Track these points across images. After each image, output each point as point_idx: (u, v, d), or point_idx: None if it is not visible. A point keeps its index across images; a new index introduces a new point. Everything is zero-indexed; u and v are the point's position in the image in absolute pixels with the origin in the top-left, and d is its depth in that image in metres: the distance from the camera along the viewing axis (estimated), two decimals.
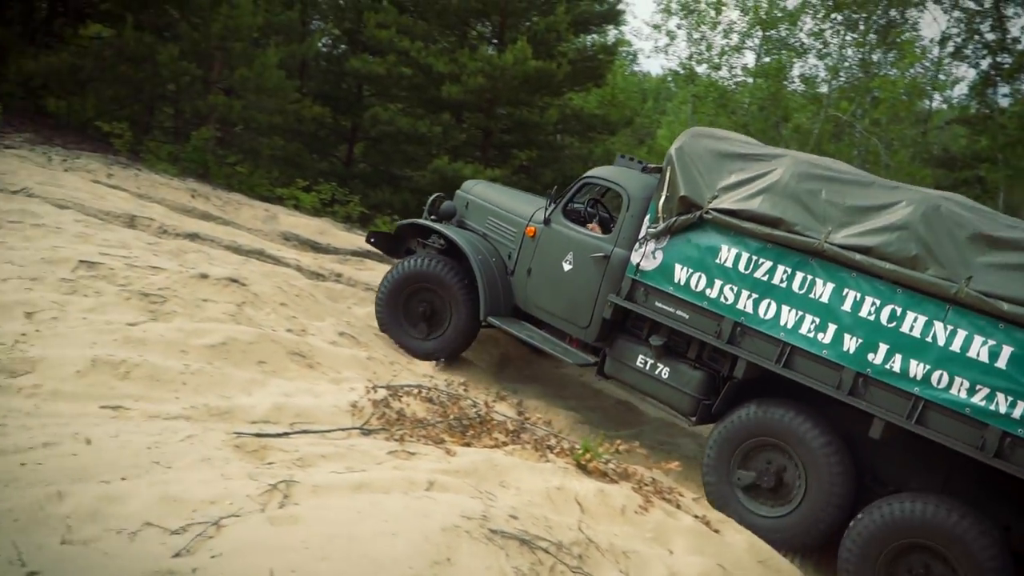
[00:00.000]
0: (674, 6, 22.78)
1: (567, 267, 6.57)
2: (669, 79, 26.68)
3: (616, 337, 6.26)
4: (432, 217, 7.57)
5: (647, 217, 6.04)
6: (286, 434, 4.21)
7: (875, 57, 21.36)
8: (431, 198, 7.79)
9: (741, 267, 5.53)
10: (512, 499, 3.95)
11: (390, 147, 15.08)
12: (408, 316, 7.11)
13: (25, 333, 4.58)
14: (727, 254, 5.61)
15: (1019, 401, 4.49)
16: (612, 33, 20.00)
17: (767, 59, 22.07)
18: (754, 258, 5.49)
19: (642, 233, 6.03)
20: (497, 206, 7.38)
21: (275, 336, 5.47)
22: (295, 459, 3.88)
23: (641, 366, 6.04)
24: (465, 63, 13.57)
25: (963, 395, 4.66)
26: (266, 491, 3.28)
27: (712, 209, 5.66)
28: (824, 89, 21.76)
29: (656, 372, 5.96)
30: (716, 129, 6.44)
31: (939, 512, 4.66)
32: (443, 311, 7.03)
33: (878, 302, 5.01)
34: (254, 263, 8.17)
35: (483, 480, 4.15)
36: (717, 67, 22.35)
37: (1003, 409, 4.52)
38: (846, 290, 5.14)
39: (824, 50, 21.78)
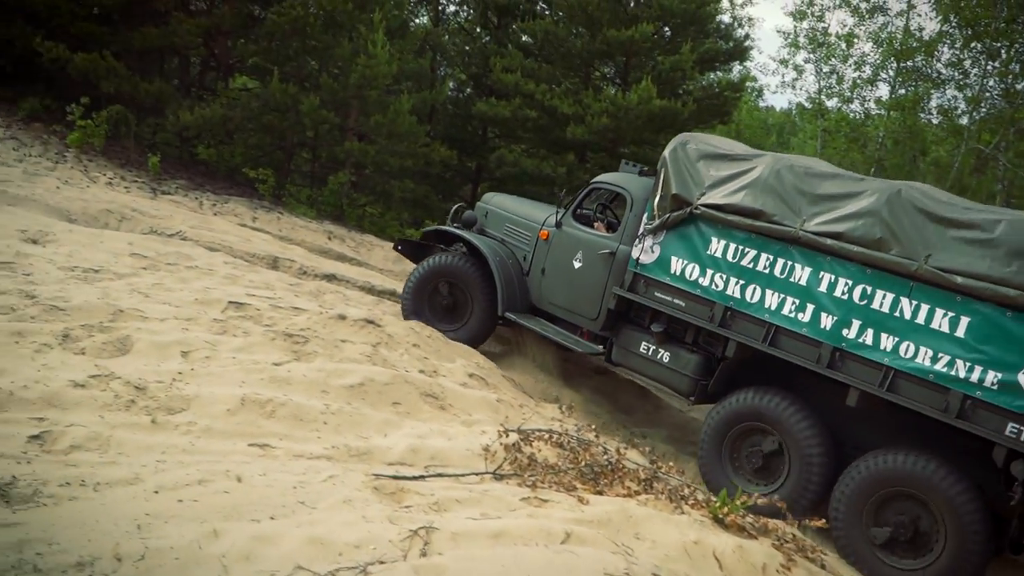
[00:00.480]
0: (802, 40, 22.21)
1: (577, 265, 7.28)
2: (794, 114, 25.94)
3: (621, 327, 6.90)
4: (456, 225, 8.22)
5: (645, 215, 6.69)
6: (422, 477, 4.24)
7: (1019, 86, 20.04)
8: (454, 207, 8.55)
9: (729, 256, 6.13)
10: (650, 554, 3.82)
11: (515, 187, 15.25)
12: (432, 308, 7.78)
13: (181, 372, 4.83)
14: (716, 245, 6.21)
15: (976, 366, 4.98)
16: (737, 69, 19.67)
17: (902, 91, 21.12)
18: (740, 248, 6.07)
19: (640, 230, 6.67)
20: (513, 213, 8.13)
21: (409, 377, 5.56)
22: (431, 503, 3.89)
23: (644, 352, 6.67)
24: (589, 104, 13.65)
25: (928, 363, 5.16)
26: (407, 537, 3.29)
27: (701, 205, 6.27)
28: (964, 121, 20.58)
29: (658, 357, 6.59)
30: (704, 134, 7.11)
31: (918, 463, 5.16)
32: (464, 305, 7.73)
33: (850, 282, 5.55)
34: (387, 303, 8.40)
35: (618, 532, 4.03)
36: (848, 100, 21.56)
37: (962, 374, 5.02)
38: (822, 273, 5.68)
39: (964, 80, 20.65)
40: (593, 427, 6.11)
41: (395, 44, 13.59)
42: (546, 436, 5.24)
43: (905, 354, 5.26)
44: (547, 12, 16.93)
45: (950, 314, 5.12)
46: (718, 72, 17.31)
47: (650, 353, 6.62)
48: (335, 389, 5.10)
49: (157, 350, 5.05)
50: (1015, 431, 4.86)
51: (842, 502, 5.39)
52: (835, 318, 5.57)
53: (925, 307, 5.22)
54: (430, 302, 7.80)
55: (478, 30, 19.92)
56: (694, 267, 6.29)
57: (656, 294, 6.50)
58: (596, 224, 7.47)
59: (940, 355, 5.12)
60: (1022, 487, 4.84)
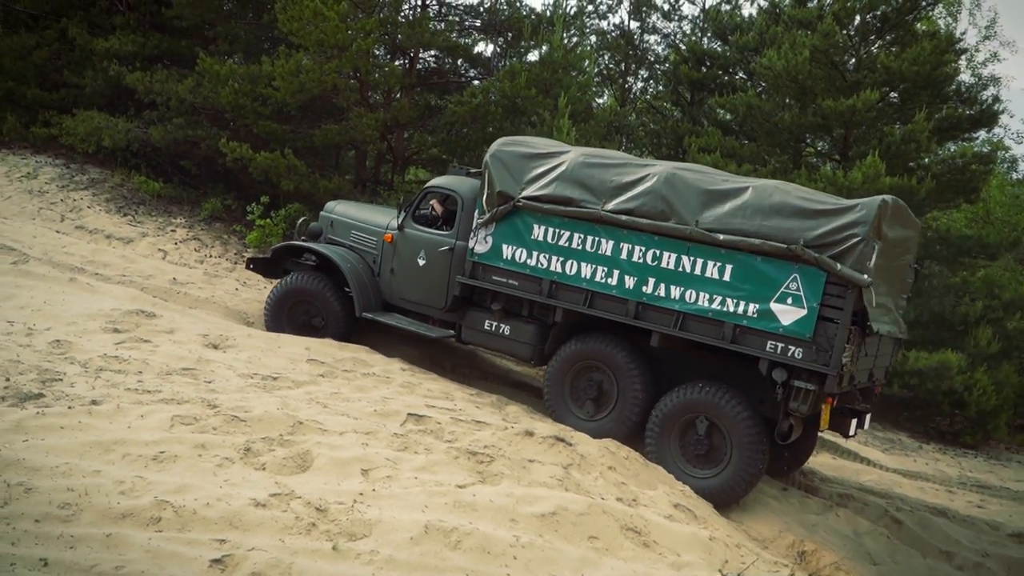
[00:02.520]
0: None
1: (422, 262, 9.10)
2: None
3: (467, 310, 8.83)
4: (303, 238, 9.94)
5: (476, 211, 8.52)
6: None
7: None
8: (299, 221, 10.42)
9: (549, 239, 8.08)
10: None
11: None
12: (292, 324, 9.41)
13: (362, 492, 5.01)
14: (538, 231, 8.14)
15: (741, 301, 7.16)
16: (984, 138, 18.63)
17: None
18: (557, 231, 8.04)
19: (474, 224, 8.50)
20: (358, 220, 9.81)
21: (606, 506, 5.47)
22: None
23: (488, 328, 8.65)
24: (802, 185, 13.32)
25: (706, 304, 7.31)
26: None
27: (522, 198, 8.18)
28: None
29: (500, 331, 8.59)
30: (519, 137, 9.01)
31: (708, 393, 7.39)
32: (320, 315, 9.40)
33: (643, 248, 7.62)
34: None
35: None
36: None
37: (731, 309, 7.20)
38: (622, 244, 7.72)
39: None
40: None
41: (579, 128, 14.04)
42: None
43: (690, 300, 7.40)
44: (748, 84, 16.96)
45: (718, 264, 7.26)
46: (960, 142, 16.46)
47: (493, 329, 8.61)
48: (524, 518, 5.09)
49: (337, 467, 5.28)
50: (773, 347, 7.04)
51: (655, 425, 7.60)
52: (635, 279, 7.65)
53: (700, 261, 7.35)
54: (290, 318, 9.44)
55: (668, 107, 20.26)
56: (522, 251, 8.23)
57: (493, 277, 8.42)
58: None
59: (715, 297, 7.27)
60: (782, 387, 7.07)
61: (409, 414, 6.64)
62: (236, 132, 14.38)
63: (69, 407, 5.50)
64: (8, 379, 5.84)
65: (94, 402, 5.69)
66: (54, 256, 10.77)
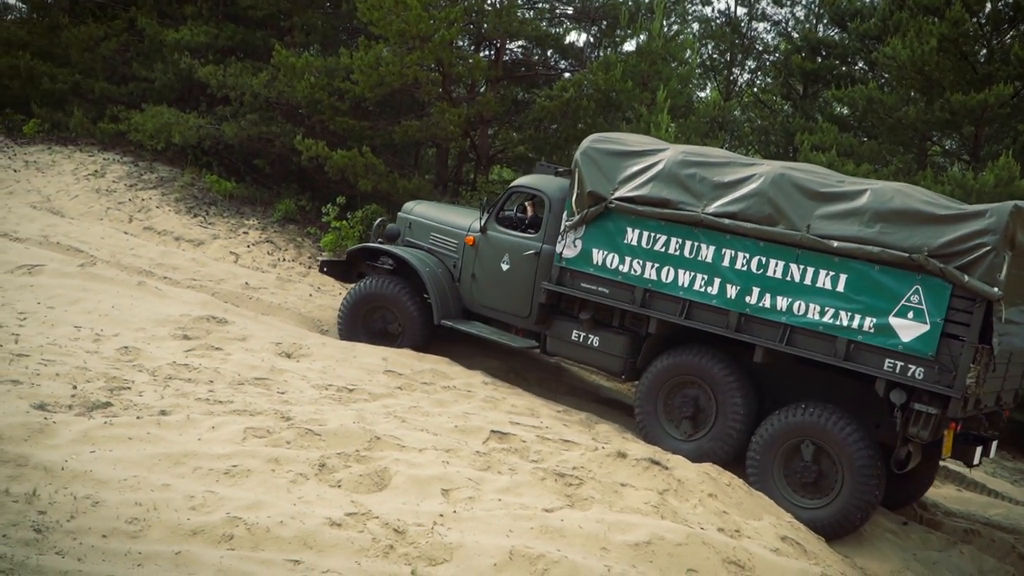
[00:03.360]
0: None
1: (505, 267, 9.13)
2: None
3: (553, 319, 8.85)
4: (380, 240, 10.10)
5: (564, 213, 8.56)
6: None
7: None
8: (376, 223, 10.54)
9: (644, 243, 8.06)
10: None
11: None
12: (367, 332, 9.54)
13: (443, 514, 5.06)
14: (632, 234, 8.13)
15: (856, 315, 7.03)
16: None
17: None
18: (652, 235, 8.02)
19: (562, 227, 8.54)
20: (438, 222, 9.91)
21: (706, 537, 5.40)
22: None
23: (576, 339, 8.64)
24: (928, 187, 12.94)
25: (817, 317, 7.20)
26: None
27: (615, 199, 8.17)
28: None
29: (588, 342, 8.56)
30: (612, 134, 9.14)
31: (814, 415, 7.21)
32: (397, 322, 9.52)
33: (747, 255, 7.55)
34: None
35: None
36: None
37: (845, 323, 7.07)
38: (724, 250, 7.66)
39: None
40: None
41: (679, 124, 13.95)
42: None
43: (798, 312, 7.29)
44: (868, 75, 16.58)
45: (831, 273, 7.15)
46: None
47: (581, 340, 8.59)
48: (617, 547, 5.06)
49: (416, 486, 5.35)
50: (891, 365, 6.89)
51: (757, 449, 7.45)
52: (738, 288, 7.56)
53: (811, 270, 7.25)
54: (365, 325, 9.58)
55: (778, 101, 19.94)
56: (614, 256, 8.21)
57: (582, 284, 8.42)
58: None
59: (826, 309, 7.15)
60: (900, 410, 6.90)
61: (492, 431, 6.69)
62: (312, 129, 14.71)
63: (137, 417, 5.70)
64: (75, 387, 6.08)
65: (163, 412, 5.88)
66: (122, 258, 11.19)
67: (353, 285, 9.87)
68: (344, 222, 13.43)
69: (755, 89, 21.54)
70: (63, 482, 4.61)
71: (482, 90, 15.34)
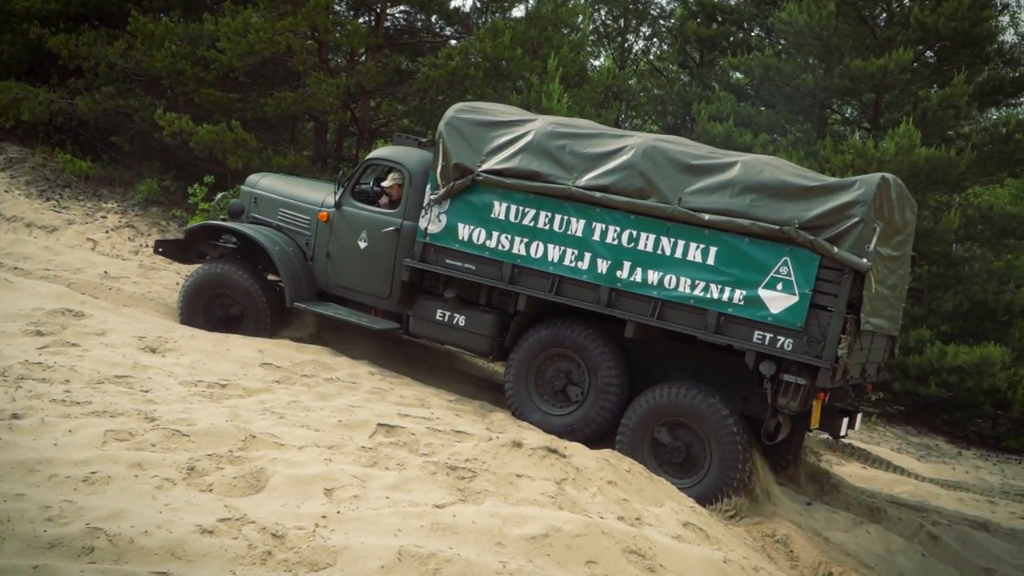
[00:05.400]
0: None
1: (363, 245, 9.01)
2: None
3: (416, 299, 8.79)
4: (222, 217, 9.74)
5: (428, 186, 8.53)
6: None
7: None
8: (217, 197, 10.37)
9: (512, 217, 8.13)
10: None
11: None
12: (209, 320, 9.23)
13: (326, 515, 5.00)
14: (499, 208, 8.18)
15: (726, 287, 7.29)
16: None
17: None
18: (521, 208, 8.10)
19: (426, 201, 8.52)
20: (287, 196, 9.66)
21: (605, 526, 5.47)
22: None
23: (441, 319, 8.60)
24: (827, 156, 13.40)
25: (688, 290, 7.44)
26: None
27: (481, 171, 8.21)
28: None
29: (454, 322, 8.53)
30: (478, 103, 9.10)
31: (681, 394, 7.57)
32: (241, 306, 9.21)
33: (618, 229, 7.71)
34: None
35: None
36: None
37: (715, 295, 7.33)
38: (594, 224, 7.81)
39: None
40: None
41: (572, 94, 14.04)
42: None
43: (669, 285, 7.51)
44: (766, 42, 17.00)
45: (701, 246, 7.39)
46: (1004, 108, 16.58)
47: (447, 319, 8.56)
48: (513, 541, 5.09)
49: (296, 487, 5.26)
50: (761, 337, 7.19)
51: (628, 426, 7.75)
52: (609, 262, 7.74)
53: (681, 243, 7.47)
54: (207, 314, 9.28)
55: (674, 69, 20.28)
56: (481, 231, 8.25)
57: (447, 261, 8.43)
58: (382, 201, 9.12)
59: (697, 282, 7.40)
60: (770, 382, 7.19)
61: (379, 424, 6.63)
62: (175, 102, 14.31)
63: None
64: None
65: (15, 416, 5.65)
66: None
67: (194, 267, 9.57)
68: (212, 203, 13.11)
69: (651, 57, 21.87)
70: None
71: (362, 59, 15.18)
